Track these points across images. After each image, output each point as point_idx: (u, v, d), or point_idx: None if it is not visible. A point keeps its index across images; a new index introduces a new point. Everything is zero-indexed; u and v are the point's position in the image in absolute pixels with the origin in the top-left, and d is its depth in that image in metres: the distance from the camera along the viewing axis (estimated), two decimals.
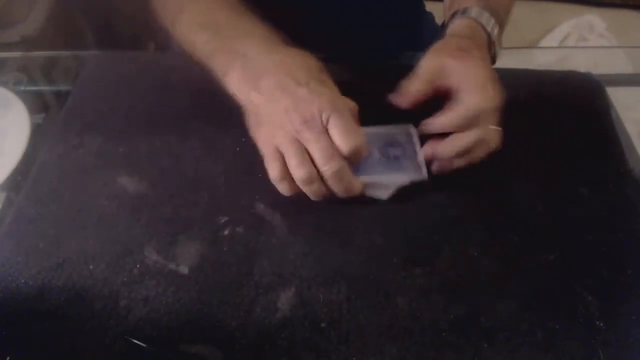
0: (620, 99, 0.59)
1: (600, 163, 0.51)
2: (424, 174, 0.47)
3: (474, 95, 0.44)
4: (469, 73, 0.45)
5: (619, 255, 0.44)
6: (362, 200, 0.47)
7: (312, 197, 0.44)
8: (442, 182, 0.48)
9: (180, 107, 0.54)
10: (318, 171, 0.42)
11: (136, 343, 0.38)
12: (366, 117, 0.50)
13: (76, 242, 0.44)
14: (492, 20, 0.49)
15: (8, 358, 0.38)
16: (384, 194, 0.47)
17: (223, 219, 0.46)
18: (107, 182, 0.48)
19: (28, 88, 0.61)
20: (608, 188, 0.49)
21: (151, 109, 0.54)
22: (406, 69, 0.48)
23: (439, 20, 0.86)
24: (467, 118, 0.44)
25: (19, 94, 0.57)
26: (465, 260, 0.43)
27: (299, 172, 0.42)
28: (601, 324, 0.40)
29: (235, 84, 0.45)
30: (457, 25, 0.50)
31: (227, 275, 0.42)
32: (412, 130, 0.50)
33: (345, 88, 0.49)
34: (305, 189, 0.43)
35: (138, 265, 0.43)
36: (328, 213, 0.46)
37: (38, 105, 0.58)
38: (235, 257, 0.43)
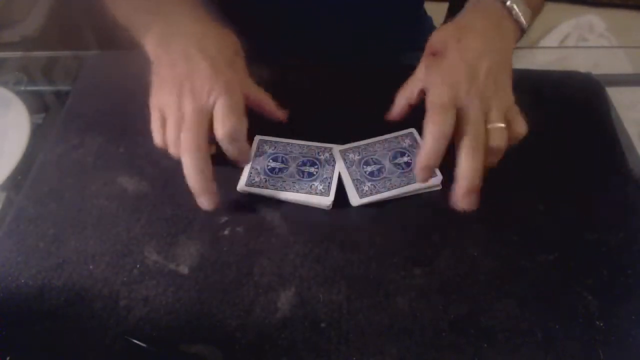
0: (620, 99, 0.59)
1: (600, 163, 0.51)
2: (330, 197, 0.45)
3: (428, 96, 0.42)
4: (437, 74, 0.43)
5: (619, 255, 0.44)
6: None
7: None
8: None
9: None
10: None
11: (136, 343, 0.38)
12: (365, 119, 0.50)
13: (76, 242, 0.44)
14: None
15: (8, 358, 0.38)
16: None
17: (223, 219, 0.46)
18: (107, 182, 0.48)
19: (28, 88, 0.61)
20: (608, 188, 0.49)
21: None
22: (404, 71, 0.48)
23: (438, 24, 0.87)
24: (432, 133, 0.41)
25: (19, 94, 0.57)
26: (465, 260, 0.43)
27: (171, 135, 0.43)
28: (601, 324, 0.40)
29: (151, 43, 0.46)
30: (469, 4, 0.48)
31: (227, 275, 0.42)
32: (336, 154, 0.49)
33: (344, 90, 0.49)
34: (175, 153, 0.43)
35: (138, 265, 0.43)
36: (328, 213, 0.46)
37: (38, 105, 0.58)
38: (235, 257, 0.43)
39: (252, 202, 0.47)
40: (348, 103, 0.54)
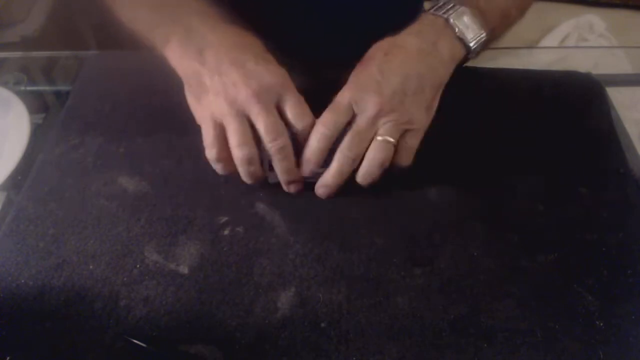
0: (620, 99, 0.59)
1: (600, 163, 0.51)
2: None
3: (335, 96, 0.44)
4: (351, 80, 0.45)
5: (619, 255, 0.44)
6: (362, 201, 0.47)
7: (247, 179, 0.44)
8: (442, 182, 0.48)
9: (180, 107, 0.54)
10: (260, 151, 0.42)
11: (136, 343, 0.38)
12: None
13: (76, 242, 0.44)
14: (451, 6, 0.47)
15: (8, 358, 0.38)
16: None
17: (223, 219, 0.46)
18: (107, 182, 0.48)
19: (28, 88, 0.61)
20: (608, 188, 0.49)
21: (151, 108, 0.54)
22: None
23: None
24: (315, 132, 0.43)
25: (19, 94, 0.57)
26: (465, 260, 0.43)
27: (240, 151, 0.42)
28: (601, 324, 0.40)
29: (177, 56, 0.44)
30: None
31: (227, 275, 0.42)
32: None
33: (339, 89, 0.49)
34: (242, 170, 0.43)
35: (138, 265, 0.43)
36: (328, 213, 0.46)
37: (38, 105, 0.58)
38: (235, 257, 0.43)
39: (252, 202, 0.47)
40: None
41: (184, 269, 0.43)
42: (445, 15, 0.47)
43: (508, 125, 0.53)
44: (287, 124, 0.43)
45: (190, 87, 0.45)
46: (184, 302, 0.41)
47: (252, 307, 0.40)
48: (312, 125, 0.43)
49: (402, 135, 0.44)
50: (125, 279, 0.42)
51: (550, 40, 1.49)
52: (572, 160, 0.52)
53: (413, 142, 0.45)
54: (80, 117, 0.54)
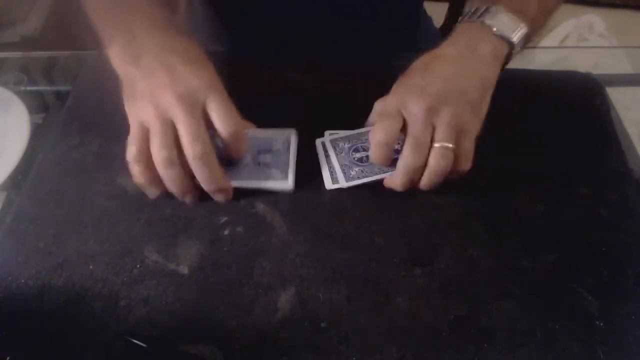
0: (620, 99, 0.59)
1: (600, 163, 0.51)
2: (289, 184, 0.47)
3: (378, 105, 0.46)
4: (394, 90, 0.46)
5: (619, 255, 0.44)
6: (362, 201, 0.47)
7: (172, 187, 0.43)
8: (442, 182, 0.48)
9: None
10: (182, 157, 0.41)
11: (136, 343, 0.38)
12: (363, 118, 0.50)
13: (76, 242, 0.44)
14: (484, 9, 0.48)
15: (8, 358, 0.38)
16: None
17: (223, 219, 0.46)
18: (107, 182, 0.48)
19: (28, 88, 0.61)
20: (608, 188, 0.49)
21: None
22: (403, 72, 0.48)
23: (438, 24, 0.87)
24: (374, 140, 0.44)
25: (19, 94, 0.57)
26: (465, 260, 0.43)
27: (159, 154, 0.41)
28: (601, 324, 0.40)
29: (117, 58, 0.45)
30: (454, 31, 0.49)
31: (227, 275, 0.42)
32: (293, 137, 0.50)
33: (342, 89, 0.49)
34: (164, 174, 0.42)
35: (138, 265, 0.43)
36: (328, 213, 0.46)
37: (38, 105, 0.58)
38: (235, 257, 0.43)
39: (252, 202, 0.47)
40: (345, 102, 0.53)
41: (184, 269, 0.43)
42: (480, 20, 0.47)
43: (508, 125, 0.53)
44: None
45: (126, 91, 0.45)
46: (184, 302, 0.41)
47: (252, 307, 0.40)
48: (237, 131, 0.43)
49: (457, 140, 0.43)
50: (125, 279, 0.42)
51: (550, 40, 1.49)
52: (572, 160, 0.52)
53: (468, 145, 0.44)
54: (80, 117, 0.54)
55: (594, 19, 1.51)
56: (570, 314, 0.41)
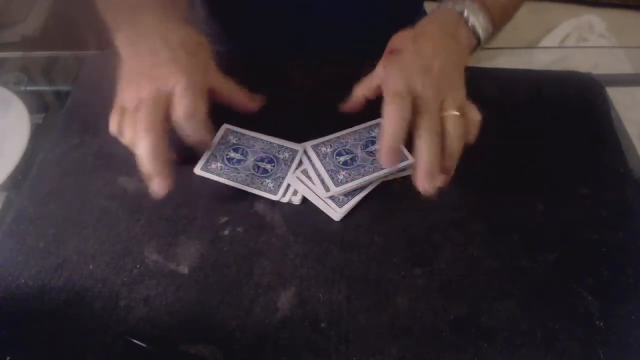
0: (620, 99, 0.59)
1: (600, 163, 0.51)
2: (277, 196, 0.46)
3: (385, 87, 0.45)
4: (393, 68, 0.46)
5: (619, 255, 0.44)
6: (362, 201, 0.47)
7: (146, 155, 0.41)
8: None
9: None
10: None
11: (136, 343, 0.38)
12: (363, 117, 0.50)
13: (76, 242, 0.44)
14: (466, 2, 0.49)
15: (8, 358, 0.38)
16: None
17: (223, 219, 0.46)
18: (107, 182, 0.48)
19: (28, 88, 0.61)
20: (608, 188, 0.49)
21: None
22: None
23: None
24: (390, 116, 0.42)
25: (19, 94, 0.57)
26: (465, 260, 0.43)
27: (125, 125, 0.43)
28: (601, 324, 0.40)
29: (121, 45, 0.46)
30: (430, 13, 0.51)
31: (227, 275, 0.42)
32: (299, 154, 0.49)
33: (341, 88, 0.49)
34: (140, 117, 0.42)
35: (138, 265, 0.43)
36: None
37: (38, 105, 0.58)
38: (235, 257, 0.43)
39: (252, 202, 0.47)
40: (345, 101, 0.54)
41: (184, 269, 0.43)
42: (460, 8, 0.49)
43: (508, 125, 0.53)
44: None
45: (121, 73, 0.47)
46: (184, 302, 0.41)
47: (252, 307, 0.40)
48: (190, 113, 0.42)
49: (461, 110, 0.44)
50: (125, 279, 0.42)
51: (550, 40, 1.49)
52: (572, 160, 0.52)
53: (474, 114, 0.45)
54: (80, 117, 0.54)
55: (594, 19, 1.51)
56: (570, 314, 0.41)
